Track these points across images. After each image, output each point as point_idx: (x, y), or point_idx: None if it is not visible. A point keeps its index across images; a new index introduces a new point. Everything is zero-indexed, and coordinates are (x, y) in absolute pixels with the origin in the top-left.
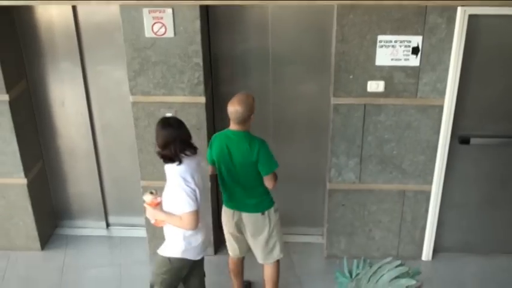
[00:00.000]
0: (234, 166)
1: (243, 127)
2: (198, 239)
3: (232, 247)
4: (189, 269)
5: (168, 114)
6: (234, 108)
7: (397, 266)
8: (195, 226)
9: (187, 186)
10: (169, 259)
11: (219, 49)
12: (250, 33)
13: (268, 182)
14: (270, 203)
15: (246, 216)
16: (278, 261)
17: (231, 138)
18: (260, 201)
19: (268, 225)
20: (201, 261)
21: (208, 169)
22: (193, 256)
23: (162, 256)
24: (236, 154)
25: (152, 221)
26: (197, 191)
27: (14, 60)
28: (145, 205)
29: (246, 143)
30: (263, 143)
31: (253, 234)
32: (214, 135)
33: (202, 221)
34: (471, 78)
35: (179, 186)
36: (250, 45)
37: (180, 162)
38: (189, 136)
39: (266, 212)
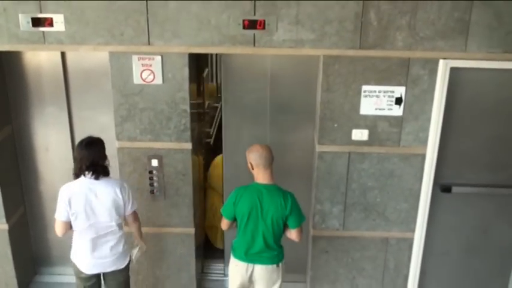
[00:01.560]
0: (264, 220)
1: (271, 177)
2: (82, 253)
3: None
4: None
5: None
6: (264, 152)
7: None
8: (58, 233)
9: (60, 196)
10: (71, 259)
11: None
12: (254, 83)
13: (296, 235)
14: (283, 255)
15: (261, 269)
16: None
17: (263, 192)
18: (277, 254)
19: (280, 277)
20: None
21: (223, 223)
22: (80, 265)
23: None
24: (269, 208)
25: None
26: (69, 208)
27: (0, 105)
28: None
29: (280, 197)
30: (294, 196)
31: (265, 286)
32: (239, 189)
33: (88, 245)
34: (453, 128)
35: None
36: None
37: (76, 177)
38: (94, 159)
39: (280, 264)
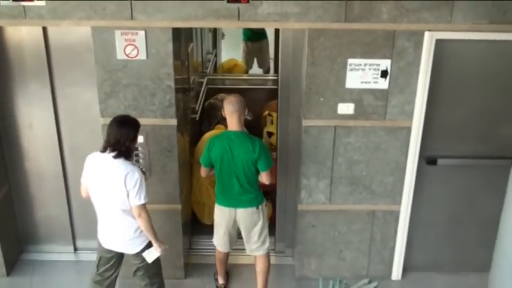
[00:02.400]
0: (235, 164)
1: (241, 125)
2: (99, 225)
3: (222, 243)
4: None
5: None
6: (233, 100)
7: None
8: (82, 193)
9: (86, 161)
10: None
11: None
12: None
13: (266, 177)
14: (262, 198)
15: (241, 212)
16: (269, 253)
17: (233, 139)
18: (255, 197)
19: (262, 218)
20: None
21: (202, 171)
22: (99, 237)
23: None
24: (238, 152)
25: None
26: (84, 175)
27: None
28: None
29: (248, 142)
30: (262, 141)
31: (247, 227)
32: (212, 138)
33: (99, 217)
34: (438, 101)
35: None
36: None
37: (104, 150)
38: (121, 139)
39: (260, 207)
